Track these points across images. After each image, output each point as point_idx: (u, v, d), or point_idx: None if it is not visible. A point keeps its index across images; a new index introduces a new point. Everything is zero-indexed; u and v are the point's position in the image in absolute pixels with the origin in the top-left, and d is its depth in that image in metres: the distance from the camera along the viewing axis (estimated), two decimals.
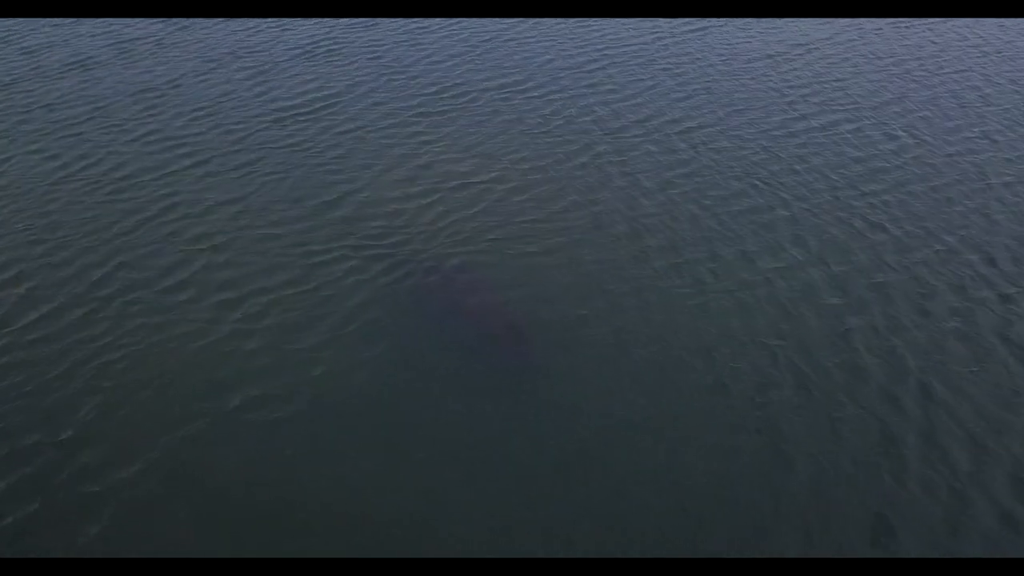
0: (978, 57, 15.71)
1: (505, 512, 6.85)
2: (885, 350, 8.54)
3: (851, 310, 9.06)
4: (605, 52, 15.26)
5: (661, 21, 16.60)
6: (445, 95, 13.40)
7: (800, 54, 15.61)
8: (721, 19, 16.77)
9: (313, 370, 8.03)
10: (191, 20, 15.62)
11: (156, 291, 8.91)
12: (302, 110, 12.76)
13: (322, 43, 15.12)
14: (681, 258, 9.78)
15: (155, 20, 15.52)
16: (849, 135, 12.71)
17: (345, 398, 7.80)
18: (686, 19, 16.66)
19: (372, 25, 15.91)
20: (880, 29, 16.85)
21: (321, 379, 7.96)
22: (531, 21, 16.32)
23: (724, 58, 15.26)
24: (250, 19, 15.74)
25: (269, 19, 15.84)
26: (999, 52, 15.98)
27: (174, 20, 15.58)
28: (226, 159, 11.38)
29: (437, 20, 16.10)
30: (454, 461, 7.22)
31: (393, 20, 16.06)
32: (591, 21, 16.45)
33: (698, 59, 15.16)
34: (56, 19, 15.42)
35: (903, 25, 17.05)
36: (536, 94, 13.57)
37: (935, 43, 16.30)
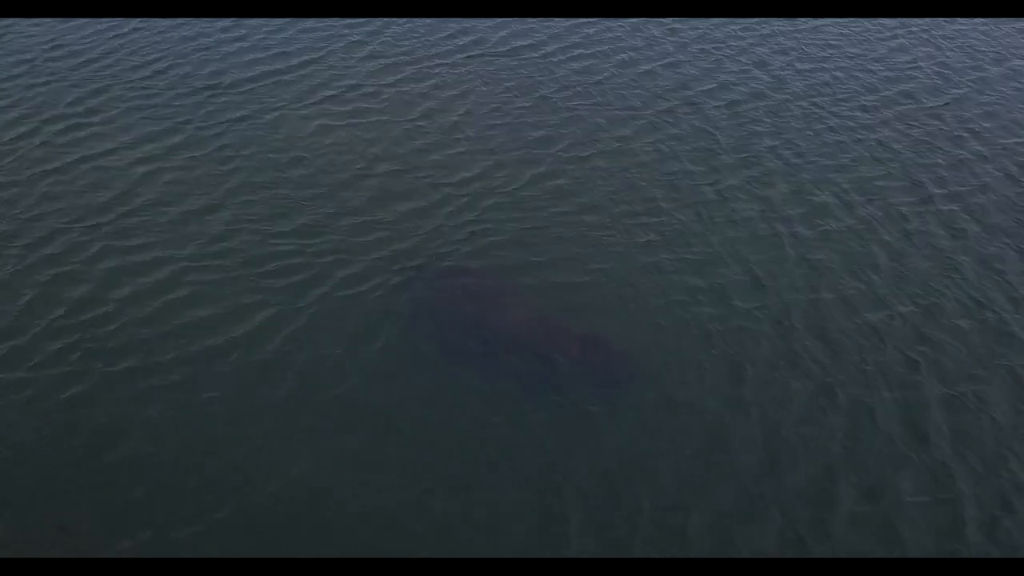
0: None
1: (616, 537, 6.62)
2: None
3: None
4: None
5: None
6: (456, 59, 12.56)
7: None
8: None
9: (335, 395, 7.58)
10: None
11: (150, 292, 8.45)
12: (284, 75, 11.90)
13: None
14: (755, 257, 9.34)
15: None
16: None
17: (381, 424, 7.35)
18: None
19: None
20: None
21: (347, 402, 7.55)
22: None
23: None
24: None
25: None
26: None
27: None
28: (197, 140, 10.55)
29: None
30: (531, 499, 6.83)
31: None
32: None
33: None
34: None
35: None
36: (570, 62, 12.70)
37: None
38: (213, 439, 7.11)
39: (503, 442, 7.23)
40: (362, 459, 7.01)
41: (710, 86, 12.57)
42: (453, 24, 13.36)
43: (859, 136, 11.66)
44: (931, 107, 12.42)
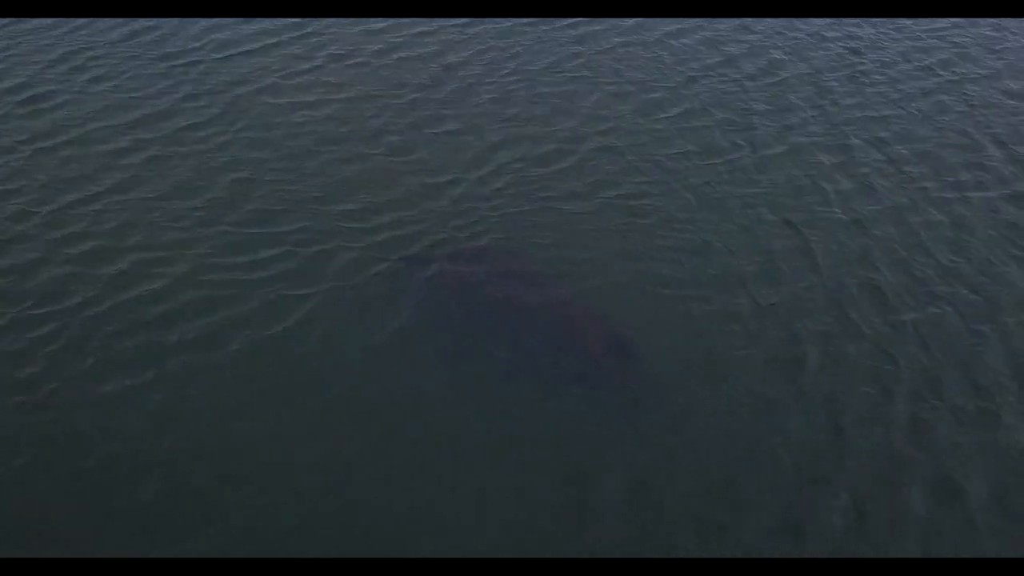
0: None
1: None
2: None
3: None
4: None
5: None
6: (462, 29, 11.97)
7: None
8: None
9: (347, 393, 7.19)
10: None
11: (132, 281, 7.97)
12: (273, 42, 11.33)
13: None
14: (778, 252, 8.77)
15: None
16: None
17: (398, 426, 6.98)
18: None
19: None
20: None
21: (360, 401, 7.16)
22: None
23: None
24: None
25: None
26: None
27: None
28: (179, 113, 10.03)
29: None
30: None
31: None
32: None
33: None
34: None
35: None
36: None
37: None
38: (209, 439, 6.81)
39: (519, 440, 6.92)
40: (371, 458, 6.75)
41: (742, 50, 11.95)
42: None
43: (913, 101, 11.14)
44: (984, 71, 11.84)
